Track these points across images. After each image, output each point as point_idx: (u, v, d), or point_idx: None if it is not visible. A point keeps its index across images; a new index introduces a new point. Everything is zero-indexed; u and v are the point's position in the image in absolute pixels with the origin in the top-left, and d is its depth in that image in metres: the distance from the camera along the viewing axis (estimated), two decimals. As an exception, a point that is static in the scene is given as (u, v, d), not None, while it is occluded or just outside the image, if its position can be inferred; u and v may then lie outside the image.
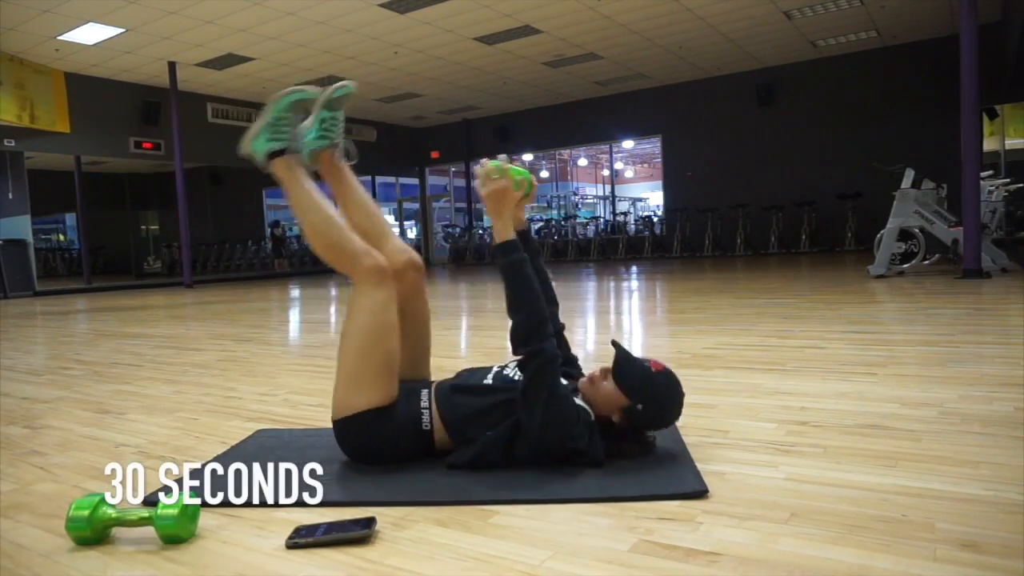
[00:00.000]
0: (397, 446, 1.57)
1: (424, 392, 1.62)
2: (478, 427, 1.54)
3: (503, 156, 1.63)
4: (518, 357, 1.53)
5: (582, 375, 1.72)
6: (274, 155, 1.64)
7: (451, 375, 1.72)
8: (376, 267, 1.58)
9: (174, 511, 1.23)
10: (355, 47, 10.56)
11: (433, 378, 1.78)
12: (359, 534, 1.21)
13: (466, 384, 1.62)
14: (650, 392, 1.55)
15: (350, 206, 1.77)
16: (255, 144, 1.65)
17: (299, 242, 19.53)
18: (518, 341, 1.51)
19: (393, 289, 1.60)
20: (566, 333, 1.82)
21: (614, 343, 1.60)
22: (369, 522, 1.24)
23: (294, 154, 1.67)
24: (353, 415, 1.55)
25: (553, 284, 1.81)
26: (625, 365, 1.56)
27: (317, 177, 1.76)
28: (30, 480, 1.68)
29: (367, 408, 1.55)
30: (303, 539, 1.21)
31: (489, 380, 1.62)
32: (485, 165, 1.60)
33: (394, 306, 1.60)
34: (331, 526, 1.24)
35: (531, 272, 1.55)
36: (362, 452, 1.59)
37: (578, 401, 1.56)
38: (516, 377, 1.59)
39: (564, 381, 1.60)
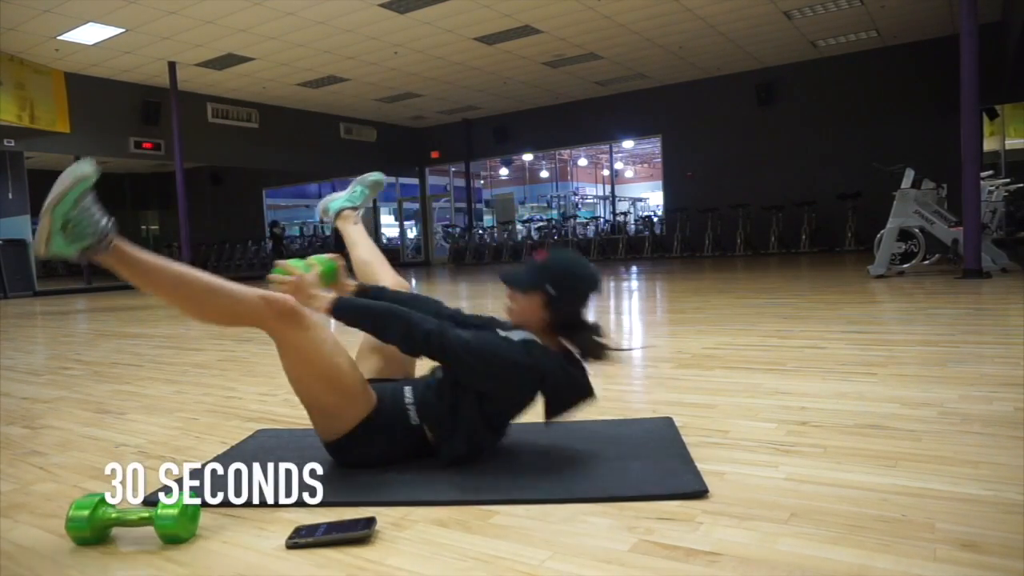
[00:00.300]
0: (391, 447, 1.58)
1: (407, 389, 1.62)
2: (450, 418, 1.55)
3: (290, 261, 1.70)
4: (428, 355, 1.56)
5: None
6: (89, 250, 1.39)
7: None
8: (282, 311, 1.47)
9: (174, 511, 1.23)
10: (355, 47, 10.56)
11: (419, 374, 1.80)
12: (359, 534, 1.21)
13: (437, 385, 1.61)
14: (547, 273, 1.57)
15: (358, 245, 2.04)
16: (54, 247, 1.38)
17: (299, 241, 19.58)
18: (410, 349, 1.56)
19: (307, 314, 1.52)
20: None
21: (501, 273, 1.64)
22: (369, 522, 1.24)
23: (111, 236, 1.40)
24: (343, 436, 1.55)
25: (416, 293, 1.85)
26: (511, 274, 1.61)
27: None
28: (30, 480, 1.68)
29: (353, 426, 1.54)
30: (303, 539, 1.21)
31: (440, 372, 1.64)
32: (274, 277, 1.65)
33: (321, 328, 1.53)
34: (331, 526, 1.24)
35: (364, 303, 1.61)
36: (359, 460, 1.59)
37: (525, 335, 1.57)
38: None
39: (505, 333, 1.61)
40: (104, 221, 1.41)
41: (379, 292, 1.75)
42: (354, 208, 2.13)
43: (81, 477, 1.68)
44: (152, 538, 1.25)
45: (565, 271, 1.59)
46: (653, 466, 1.52)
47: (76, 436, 2.09)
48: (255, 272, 15.31)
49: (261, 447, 1.82)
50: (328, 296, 1.61)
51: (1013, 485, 1.33)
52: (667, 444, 1.67)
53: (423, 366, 1.84)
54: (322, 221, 2.24)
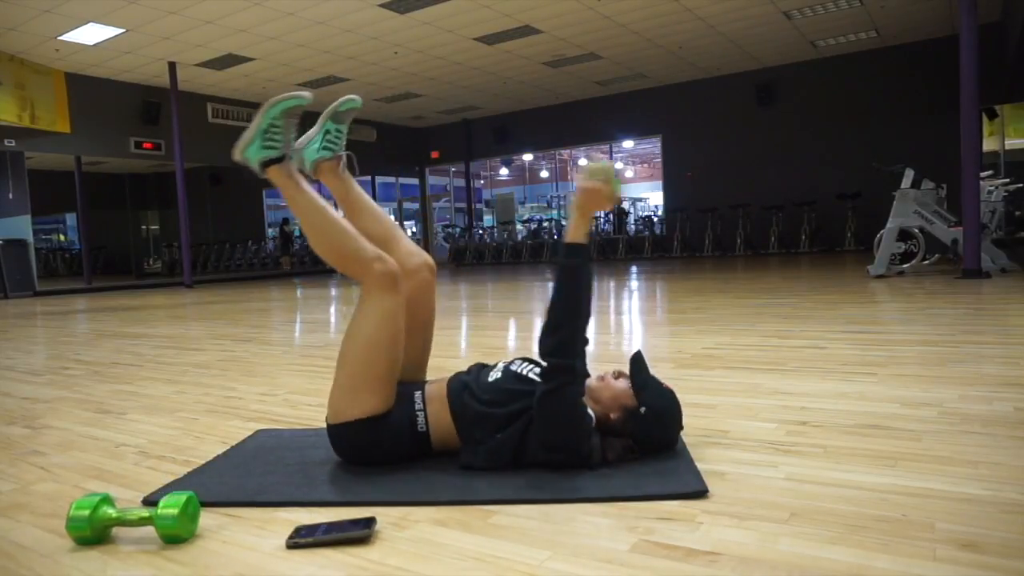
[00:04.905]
0: (393, 450, 1.57)
1: (417, 394, 1.61)
2: (486, 429, 1.53)
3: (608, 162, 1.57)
4: (536, 358, 1.51)
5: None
6: (269, 163, 1.60)
7: (450, 374, 1.70)
8: (387, 273, 1.55)
9: (174, 511, 1.23)
10: (355, 47, 10.56)
11: (430, 378, 1.77)
12: (359, 534, 1.21)
13: (479, 387, 1.59)
14: (657, 400, 1.56)
15: (357, 212, 1.79)
16: (248, 151, 1.61)
17: (301, 242, 19.59)
18: (549, 347, 1.48)
19: (402, 296, 1.57)
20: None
21: (636, 355, 1.60)
22: (369, 522, 1.24)
23: (290, 160, 1.63)
24: (348, 422, 1.55)
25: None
26: (643, 370, 1.59)
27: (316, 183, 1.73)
28: (30, 480, 1.68)
29: (363, 416, 1.54)
30: (303, 539, 1.21)
31: (498, 374, 1.61)
32: (598, 160, 1.55)
33: (403, 313, 1.58)
34: (331, 526, 1.24)
35: (589, 284, 1.52)
36: (357, 456, 1.59)
37: (590, 412, 1.55)
38: (524, 372, 1.59)
39: None
40: (292, 143, 1.64)
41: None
42: (336, 157, 1.79)
43: (81, 477, 1.68)
44: (152, 538, 1.25)
45: (665, 412, 1.57)
46: (653, 466, 1.52)
47: (76, 436, 2.09)
48: (255, 272, 15.30)
49: (261, 447, 1.82)
50: (587, 227, 1.51)
51: (1013, 485, 1.33)
52: (667, 444, 1.66)
53: (429, 372, 1.83)
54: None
